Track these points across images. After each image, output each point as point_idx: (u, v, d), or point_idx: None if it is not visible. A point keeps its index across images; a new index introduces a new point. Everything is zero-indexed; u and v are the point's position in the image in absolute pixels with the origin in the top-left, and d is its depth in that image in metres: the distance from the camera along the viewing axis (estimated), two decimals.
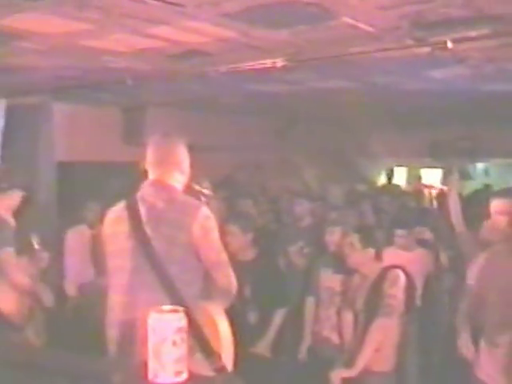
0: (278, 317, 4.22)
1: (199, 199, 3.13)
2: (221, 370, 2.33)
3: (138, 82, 4.82)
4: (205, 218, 2.79)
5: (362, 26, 3.39)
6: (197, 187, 3.22)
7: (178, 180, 2.94)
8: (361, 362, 3.61)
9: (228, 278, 2.80)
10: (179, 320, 1.73)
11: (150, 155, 2.95)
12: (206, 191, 3.27)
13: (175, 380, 1.71)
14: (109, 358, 2.58)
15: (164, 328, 1.70)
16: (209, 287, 2.83)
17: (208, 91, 5.88)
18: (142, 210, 2.81)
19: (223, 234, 3.10)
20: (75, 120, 6.42)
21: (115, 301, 2.83)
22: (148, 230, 2.75)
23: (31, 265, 4.19)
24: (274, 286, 4.21)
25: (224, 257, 2.83)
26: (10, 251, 3.93)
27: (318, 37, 3.61)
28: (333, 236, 4.46)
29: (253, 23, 3.34)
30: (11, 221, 4.11)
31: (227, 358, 2.40)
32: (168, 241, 2.73)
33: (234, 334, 2.38)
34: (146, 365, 1.74)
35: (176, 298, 2.56)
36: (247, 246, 4.31)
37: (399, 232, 4.77)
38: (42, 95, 5.81)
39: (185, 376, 1.73)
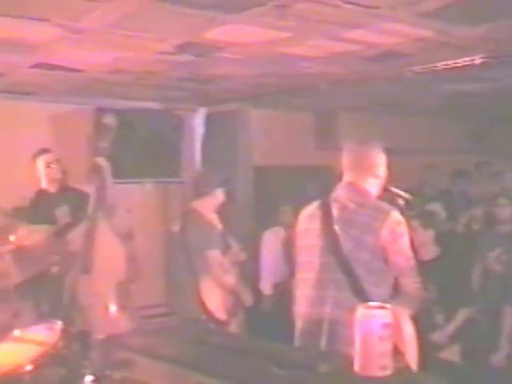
0: (461, 315, 4.41)
1: (396, 202, 3.12)
2: (404, 369, 2.33)
3: (331, 86, 4.88)
4: (395, 223, 2.80)
5: None
6: (394, 190, 3.20)
7: (372, 184, 2.99)
8: None
9: (415, 285, 2.81)
10: (386, 316, 1.78)
11: (345, 159, 3.03)
12: (403, 194, 3.24)
13: (380, 373, 1.75)
14: (315, 350, 2.67)
15: (371, 323, 1.76)
16: (396, 291, 2.84)
17: (403, 93, 5.79)
18: (334, 211, 2.89)
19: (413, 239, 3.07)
20: (271, 125, 6.62)
21: (301, 294, 2.93)
22: (337, 230, 2.83)
23: (232, 264, 4.41)
24: (457, 286, 4.29)
25: (413, 263, 2.83)
26: (216, 252, 4.19)
27: None
28: None
29: (450, 20, 3.25)
30: (217, 223, 4.35)
31: (411, 359, 2.43)
32: (355, 242, 2.79)
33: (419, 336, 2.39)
34: (351, 357, 1.80)
35: (362, 298, 2.59)
36: (428, 242, 4.46)
37: None
38: (239, 102, 6.09)
39: (389, 371, 1.77)
